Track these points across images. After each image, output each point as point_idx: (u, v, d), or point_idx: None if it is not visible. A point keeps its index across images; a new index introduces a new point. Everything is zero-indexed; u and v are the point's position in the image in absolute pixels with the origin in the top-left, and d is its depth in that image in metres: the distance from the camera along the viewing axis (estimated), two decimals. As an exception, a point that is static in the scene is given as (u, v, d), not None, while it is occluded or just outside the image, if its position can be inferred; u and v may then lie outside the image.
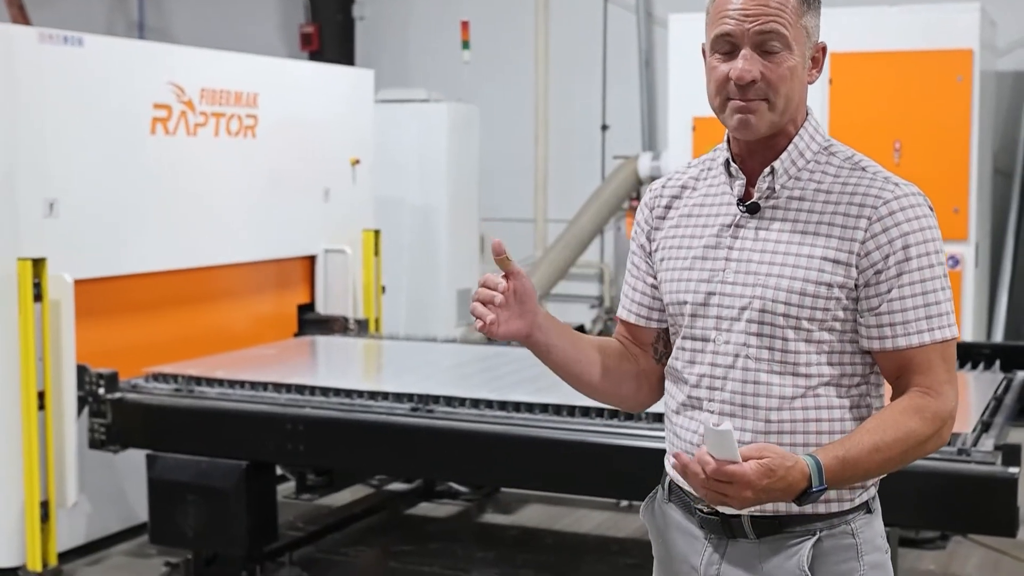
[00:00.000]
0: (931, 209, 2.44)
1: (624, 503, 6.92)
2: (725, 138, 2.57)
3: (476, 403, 5.32)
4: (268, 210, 7.22)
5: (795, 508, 2.42)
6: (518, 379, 6.04)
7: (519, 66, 11.76)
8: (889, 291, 2.39)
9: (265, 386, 5.71)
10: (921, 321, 2.39)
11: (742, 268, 2.48)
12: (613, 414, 5.07)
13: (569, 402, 5.17)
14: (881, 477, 2.50)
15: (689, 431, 2.55)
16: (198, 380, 5.86)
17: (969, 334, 8.46)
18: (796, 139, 2.48)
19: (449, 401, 5.36)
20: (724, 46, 2.44)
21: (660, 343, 2.72)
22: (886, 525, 2.63)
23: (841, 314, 2.42)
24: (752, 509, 2.43)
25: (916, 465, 4.29)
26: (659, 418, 4.99)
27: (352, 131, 7.95)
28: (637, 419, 5.03)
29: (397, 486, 7.14)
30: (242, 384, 5.77)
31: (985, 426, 4.86)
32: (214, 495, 5.54)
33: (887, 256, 2.38)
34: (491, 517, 7.00)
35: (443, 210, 9.99)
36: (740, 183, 2.53)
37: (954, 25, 8.42)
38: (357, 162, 7.96)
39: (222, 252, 6.95)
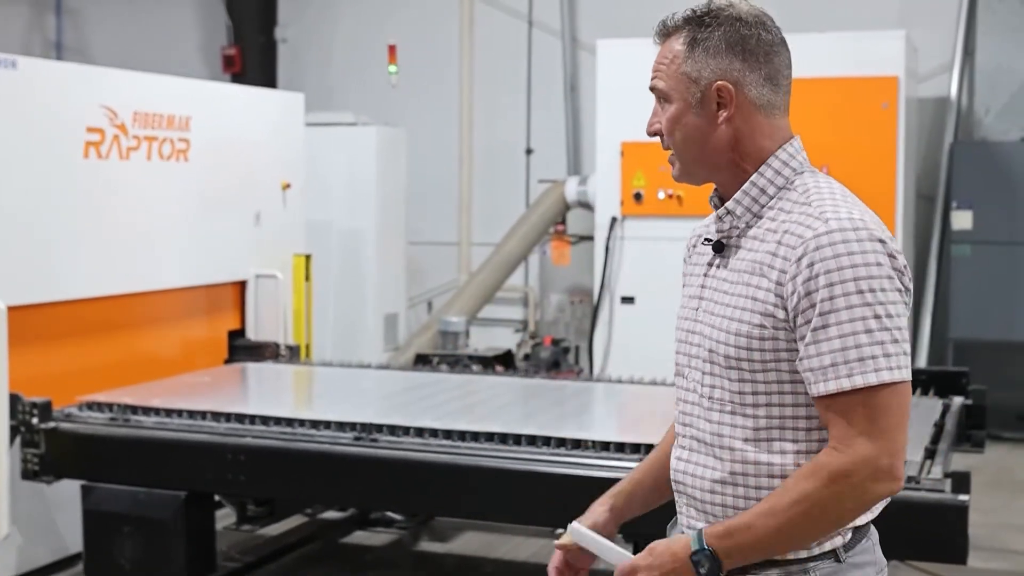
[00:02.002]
0: (876, 243, 2.31)
1: (560, 531, 6.87)
2: None
3: (420, 432, 5.27)
4: (200, 235, 7.12)
5: None
6: (459, 406, 6.01)
7: (443, 89, 11.74)
8: (809, 332, 2.30)
9: (203, 415, 5.61)
10: (839, 366, 2.27)
11: (707, 308, 2.50)
12: (560, 443, 5.04)
13: (514, 431, 5.14)
14: (848, 529, 2.41)
15: (673, 459, 2.61)
16: (134, 409, 5.74)
17: (895, 358, 8.53)
18: (755, 177, 2.46)
19: (393, 430, 5.30)
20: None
21: None
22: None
23: (784, 355, 2.37)
24: None
25: (866, 492, 4.38)
26: (606, 447, 4.98)
27: (283, 155, 7.87)
28: (584, 448, 5.01)
29: (331, 514, 7.05)
30: (179, 413, 5.66)
31: (930, 453, 4.90)
32: (151, 526, 5.44)
33: (808, 294, 2.30)
34: (428, 545, 6.94)
35: (371, 234, 9.95)
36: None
37: (880, 52, 8.54)
38: (288, 186, 7.87)
39: (153, 278, 6.83)
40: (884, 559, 2.53)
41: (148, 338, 6.88)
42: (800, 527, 2.30)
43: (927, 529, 4.38)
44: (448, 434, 5.22)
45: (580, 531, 2.51)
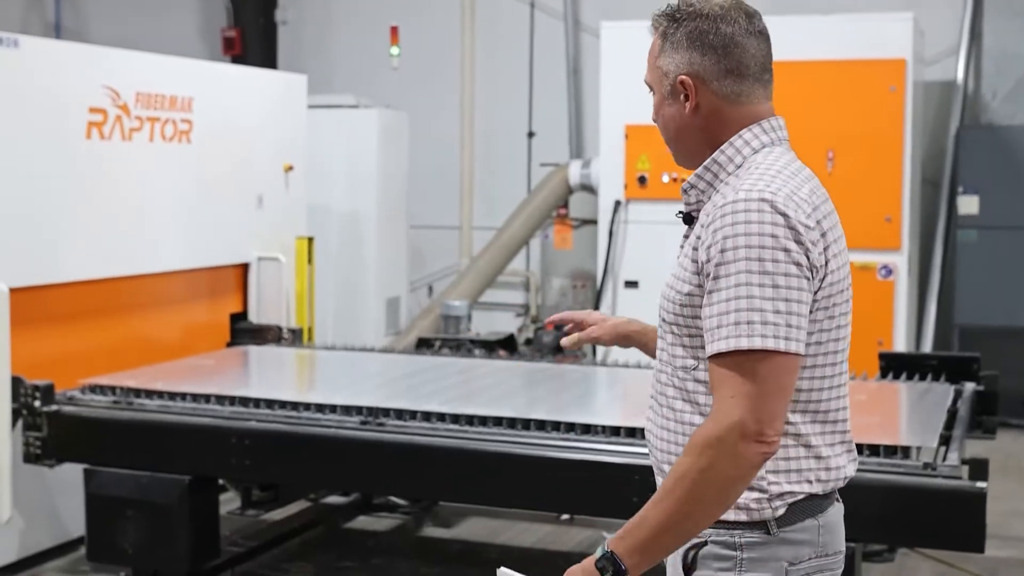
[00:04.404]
0: (778, 215, 2.34)
1: (565, 516, 6.83)
2: None
3: (427, 416, 5.20)
4: (202, 217, 7.05)
5: None
6: (464, 391, 5.95)
7: (445, 72, 11.65)
8: (705, 295, 2.39)
9: (208, 398, 5.54)
10: (722, 328, 2.33)
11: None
12: (569, 427, 4.98)
13: (523, 415, 5.08)
14: (784, 504, 2.44)
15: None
16: (137, 392, 5.67)
17: (901, 344, 8.49)
18: (716, 155, 2.57)
19: (399, 414, 5.23)
20: None
21: None
22: (850, 540, 2.54)
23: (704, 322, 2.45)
24: None
25: (881, 480, 4.33)
26: (616, 432, 4.92)
27: (285, 137, 7.80)
28: (594, 433, 4.95)
29: (334, 499, 6.99)
30: (183, 396, 5.59)
31: (944, 439, 4.84)
32: (155, 511, 5.38)
33: (709, 260, 2.38)
34: (431, 531, 6.88)
35: (372, 217, 9.89)
36: None
37: (887, 35, 8.46)
38: (291, 168, 7.80)
39: (156, 260, 6.77)
40: (837, 545, 2.52)
41: (150, 321, 6.82)
42: (688, 505, 2.31)
43: (944, 516, 4.32)
44: (456, 418, 5.15)
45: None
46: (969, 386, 5.79)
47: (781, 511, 2.43)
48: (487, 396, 5.77)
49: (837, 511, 2.55)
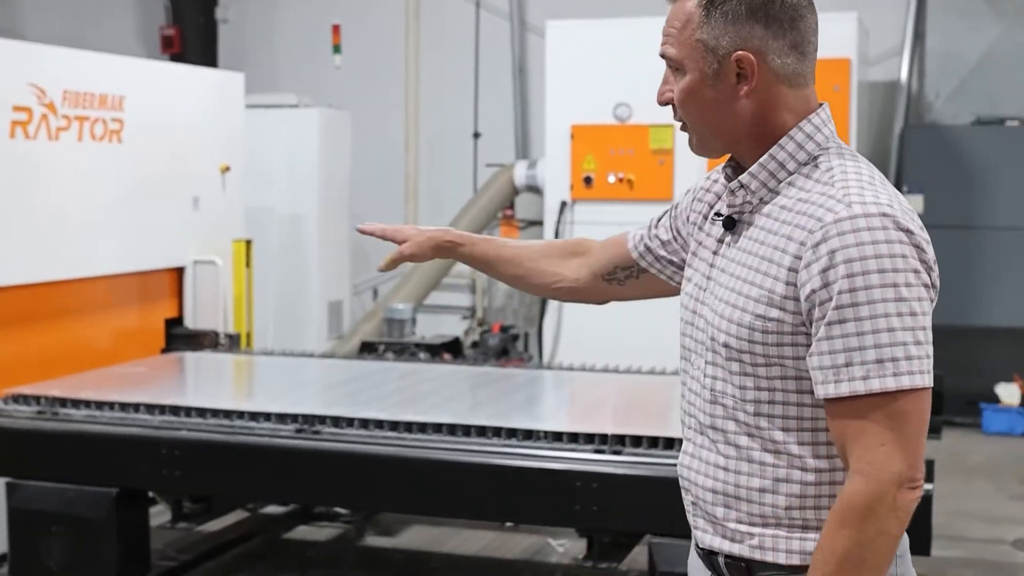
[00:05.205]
0: (902, 232, 2.07)
1: (509, 523, 6.68)
2: None
3: (365, 423, 5.04)
4: (134, 219, 6.84)
5: (757, 554, 2.24)
6: (406, 396, 5.81)
7: (389, 71, 11.49)
8: (823, 327, 2.08)
9: (136, 407, 5.35)
10: (853, 367, 2.05)
11: (713, 290, 2.30)
12: (511, 433, 4.84)
13: (464, 422, 4.94)
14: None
15: (681, 455, 2.43)
16: (62, 401, 5.47)
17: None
18: (774, 150, 2.23)
19: (336, 421, 5.07)
20: None
21: (621, 273, 2.72)
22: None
23: (789, 350, 2.15)
24: (728, 548, 2.29)
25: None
26: (559, 437, 4.79)
27: (222, 136, 7.60)
28: (535, 439, 4.81)
29: (273, 509, 6.82)
30: (111, 405, 5.39)
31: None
32: (81, 525, 5.18)
33: (826, 285, 2.07)
34: (373, 540, 6.71)
35: (313, 219, 9.74)
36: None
37: (831, 34, 8.25)
38: (227, 169, 7.61)
39: (85, 264, 6.55)
40: (908, 573, 2.30)
41: (80, 327, 6.60)
42: None
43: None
44: (394, 425, 5.00)
45: None
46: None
47: None
48: (429, 402, 5.64)
49: (904, 539, 2.29)
